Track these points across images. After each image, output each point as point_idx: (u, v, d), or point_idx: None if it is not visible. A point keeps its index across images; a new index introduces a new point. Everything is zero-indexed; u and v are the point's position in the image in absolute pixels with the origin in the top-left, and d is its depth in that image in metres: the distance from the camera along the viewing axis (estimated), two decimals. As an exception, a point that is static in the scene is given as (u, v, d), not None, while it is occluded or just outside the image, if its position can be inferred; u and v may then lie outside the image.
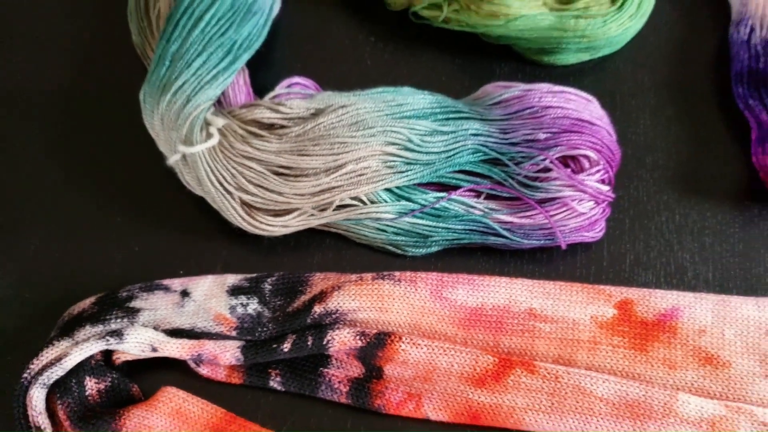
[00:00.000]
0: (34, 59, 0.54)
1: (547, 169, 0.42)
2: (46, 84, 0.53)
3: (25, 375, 0.42)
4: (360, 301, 0.42)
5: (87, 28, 0.55)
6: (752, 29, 0.47)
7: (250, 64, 0.48)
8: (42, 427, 0.41)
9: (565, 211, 0.41)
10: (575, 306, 0.41)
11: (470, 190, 0.44)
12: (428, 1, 0.48)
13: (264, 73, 0.50)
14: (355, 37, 0.53)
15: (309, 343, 0.41)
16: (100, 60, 0.54)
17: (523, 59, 0.50)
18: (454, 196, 0.43)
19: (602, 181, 0.42)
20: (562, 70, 0.49)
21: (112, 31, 0.53)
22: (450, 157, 0.43)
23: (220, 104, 0.46)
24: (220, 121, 0.43)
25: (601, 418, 0.39)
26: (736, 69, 0.47)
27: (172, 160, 0.44)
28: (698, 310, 0.41)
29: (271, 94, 0.47)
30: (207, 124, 0.44)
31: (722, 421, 0.38)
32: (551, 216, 0.41)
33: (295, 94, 0.47)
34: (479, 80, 0.49)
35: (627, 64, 0.49)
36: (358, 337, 0.40)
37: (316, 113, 0.44)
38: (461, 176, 0.44)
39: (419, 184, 0.45)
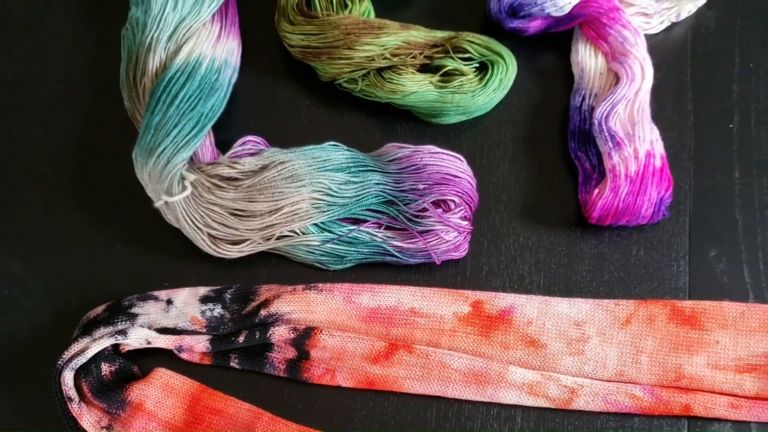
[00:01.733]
0: (50, 118, 0.61)
1: (425, 209, 0.54)
2: (59, 141, 0.60)
3: (59, 362, 0.51)
4: (293, 306, 0.53)
5: (90, 93, 0.62)
6: (584, 98, 0.58)
7: (215, 124, 0.55)
8: (71, 397, 0.51)
9: (437, 238, 0.53)
10: (442, 305, 0.54)
11: (374, 224, 0.55)
12: (348, 76, 0.58)
13: (226, 130, 0.58)
14: (294, 101, 0.60)
15: (257, 336, 0.52)
16: (101, 120, 0.61)
17: (419, 120, 0.59)
18: (362, 228, 0.54)
19: (463, 218, 0.54)
20: (446, 128, 0.59)
21: (111, 96, 0.60)
22: (359, 200, 0.54)
23: (192, 161, 0.56)
24: (191, 176, 0.54)
25: (456, 384, 0.52)
26: (570, 128, 0.57)
27: (158, 204, 0.55)
28: (528, 308, 0.53)
29: (230, 152, 0.56)
30: (182, 178, 0.54)
31: (538, 385, 0.52)
32: (428, 242, 0.54)
33: (248, 150, 0.57)
34: (386, 136, 0.59)
35: (494, 123, 0.59)
36: (291, 331, 0.52)
37: (262, 168, 0.55)
38: (368, 213, 0.55)
39: (338, 219, 0.55)
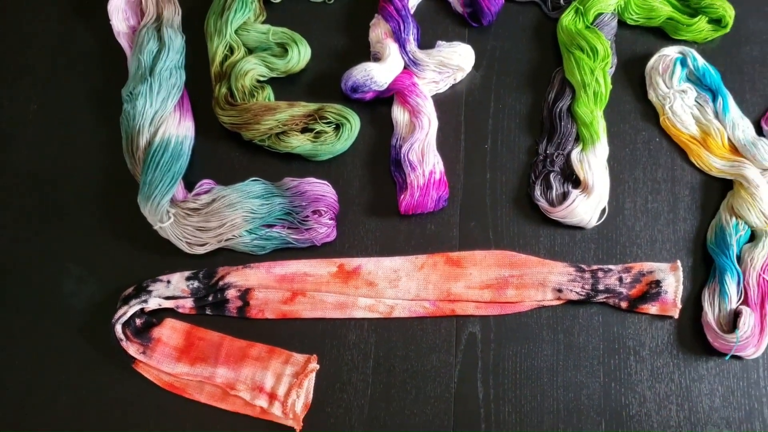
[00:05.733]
0: (88, 177, 0.86)
1: (307, 216, 0.86)
2: (95, 189, 0.85)
3: (112, 320, 0.74)
4: (238, 278, 0.81)
5: (109, 160, 0.87)
6: (397, 139, 0.89)
7: (183, 175, 0.84)
8: (122, 338, 0.73)
9: (315, 232, 0.85)
10: (321, 269, 0.80)
11: (280, 227, 0.84)
12: (259, 138, 0.87)
13: (190, 176, 0.83)
14: (229, 154, 0.86)
15: (219, 296, 0.80)
16: (120, 176, 0.85)
17: (305, 159, 0.85)
18: (274, 229, 0.85)
19: (330, 218, 0.86)
20: (322, 163, 0.85)
21: (121, 162, 0.85)
22: (270, 214, 0.83)
23: (172, 200, 0.83)
24: (173, 210, 0.86)
25: (330, 310, 0.80)
26: (391, 158, 0.88)
27: (155, 227, 0.84)
28: (369, 265, 0.82)
29: (193, 192, 0.85)
30: (167, 211, 0.87)
31: (373, 306, 0.82)
32: (311, 235, 0.86)
33: (204, 189, 0.86)
34: (285, 172, 0.84)
35: (349, 157, 0.86)
36: (237, 291, 0.81)
37: (212, 201, 0.85)
38: (276, 220, 0.82)
39: (260, 226, 0.84)
